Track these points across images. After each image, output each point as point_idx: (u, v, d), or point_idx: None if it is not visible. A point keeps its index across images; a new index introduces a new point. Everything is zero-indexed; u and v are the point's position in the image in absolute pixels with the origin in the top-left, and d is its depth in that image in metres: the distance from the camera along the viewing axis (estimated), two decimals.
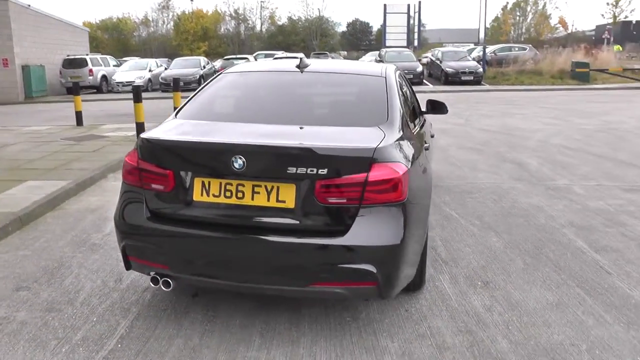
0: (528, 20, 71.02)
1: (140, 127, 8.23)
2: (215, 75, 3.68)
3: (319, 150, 2.55)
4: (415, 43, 45.00)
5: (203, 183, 2.65)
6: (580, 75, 20.45)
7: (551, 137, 9.40)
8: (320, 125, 2.97)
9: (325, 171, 2.49)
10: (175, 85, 10.52)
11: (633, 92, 17.71)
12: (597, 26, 60.97)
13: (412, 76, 22.09)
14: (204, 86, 3.52)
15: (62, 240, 4.31)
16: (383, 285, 2.56)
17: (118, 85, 20.86)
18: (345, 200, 2.52)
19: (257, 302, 3.20)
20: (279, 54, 36.03)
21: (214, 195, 2.63)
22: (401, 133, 2.92)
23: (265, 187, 2.57)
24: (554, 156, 7.78)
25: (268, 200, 2.57)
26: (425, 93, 19.17)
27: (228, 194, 2.61)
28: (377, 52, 42.24)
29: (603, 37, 30.49)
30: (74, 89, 10.35)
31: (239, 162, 2.52)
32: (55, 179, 5.80)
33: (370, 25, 72.28)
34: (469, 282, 3.58)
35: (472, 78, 22.52)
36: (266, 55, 35.02)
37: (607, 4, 41.66)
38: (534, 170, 6.88)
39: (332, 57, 41.80)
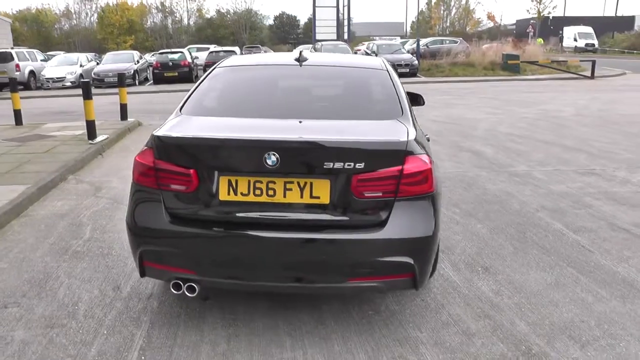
0: (452, 14, 74.12)
1: (90, 126, 7.75)
2: (211, 69, 3.52)
3: (357, 145, 2.53)
4: (345, 36, 45.65)
5: (230, 181, 2.53)
6: (512, 66, 21.56)
7: (497, 126, 9.84)
8: (337, 119, 2.93)
9: (362, 165, 2.47)
10: (121, 81, 10.01)
11: (561, 82, 18.93)
12: (518, 20, 64.54)
13: None
14: (202, 80, 3.36)
15: (39, 250, 3.98)
16: (419, 276, 2.59)
17: (48, 82, 19.38)
18: (381, 194, 2.51)
19: (273, 302, 3.12)
20: (212, 47, 35.28)
21: (242, 194, 2.53)
22: (415, 125, 2.94)
23: (298, 183, 2.51)
24: (505, 144, 8.15)
25: (301, 196, 2.51)
26: None
27: (258, 192, 2.51)
28: (310, 46, 42.38)
29: (527, 31, 32.29)
30: (12, 86, 9.55)
31: (272, 159, 2.44)
32: (11, 184, 5.34)
33: (297, 18, 72.48)
34: (471, 269, 3.69)
35: (407, 70, 23.12)
36: (198, 49, 34.05)
37: (532, 0, 44.51)
38: (492, 158, 7.18)
39: (265, 51, 41.40)
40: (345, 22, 45.41)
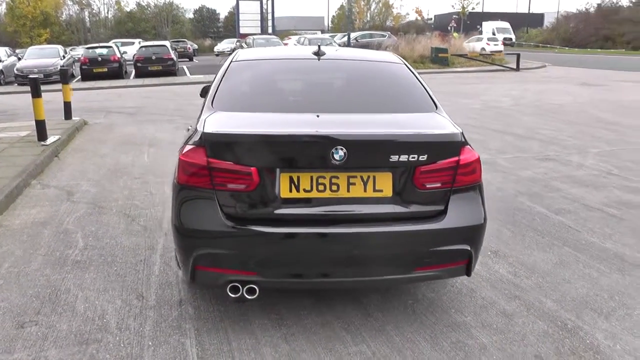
0: (372, 9, 75.99)
1: (41, 126, 7.20)
2: (228, 63, 3.37)
3: (422, 137, 2.59)
4: (270, 30, 45.46)
5: (291, 178, 2.48)
6: (441, 59, 22.48)
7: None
8: (378, 112, 2.95)
9: (425, 157, 2.52)
10: (64, 77, 9.37)
11: (490, 74, 20.02)
12: (436, 15, 67.33)
13: None
14: (224, 74, 3.21)
15: (33, 262, 3.65)
16: (473, 262, 2.68)
17: None
18: (440, 185, 2.58)
19: (313, 298, 3.09)
20: (137, 42, 33.99)
21: (304, 191, 2.49)
22: None
23: (361, 177, 2.51)
24: None
25: (365, 190, 2.52)
26: None
27: (321, 187, 2.49)
28: (235, 40, 41.72)
29: (450, 25, 33.82)
30: None
31: (339, 154, 2.42)
32: None
33: (217, 12, 71.17)
34: (482, 253, 3.79)
35: None
36: (123, 44, 32.47)
37: None
38: None
39: (190, 46, 40.27)
40: (270, 16, 45.19)
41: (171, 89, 16.35)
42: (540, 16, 60.86)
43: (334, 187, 2.49)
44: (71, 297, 3.16)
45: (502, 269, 3.59)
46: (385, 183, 2.52)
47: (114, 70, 19.46)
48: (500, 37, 47.45)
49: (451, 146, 2.60)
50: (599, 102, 12.18)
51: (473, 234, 2.64)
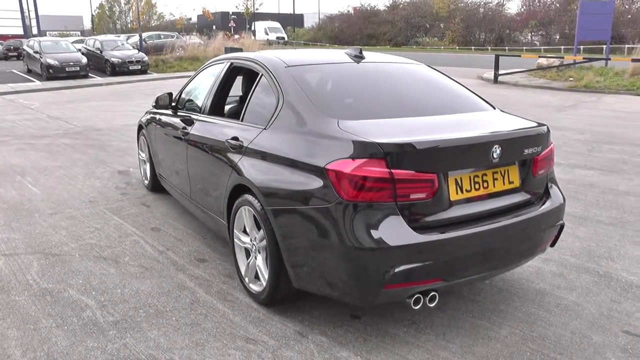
0: (134, 8, 72.57)
1: None
2: (282, 69, 3.11)
3: (539, 131, 2.94)
4: (35, 31, 40.06)
5: (456, 181, 2.59)
6: None
7: None
8: (460, 112, 3.14)
9: (539, 148, 2.90)
10: None
11: None
12: (199, 16, 67.76)
13: (78, 69, 20.38)
14: (296, 82, 2.99)
15: (56, 338, 2.75)
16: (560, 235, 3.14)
17: None
18: (543, 171, 2.99)
19: None
20: None
21: (466, 191, 2.62)
22: None
23: (500, 172, 2.75)
24: None
25: (504, 184, 2.77)
26: (110, 85, 17.92)
27: (477, 186, 2.65)
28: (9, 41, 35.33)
29: (230, 25, 34.53)
30: None
31: (497, 152, 2.63)
32: None
33: None
34: None
35: (139, 67, 22.86)
36: None
37: None
38: None
39: None
40: (33, 15, 39.70)
41: None
42: (301, 17, 66.53)
43: (485, 184, 2.69)
44: None
45: None
46: (514, 175, 2.82)
47: None
48: (273, 36, 50.35)
49: (549, 137, 3.03)
50: None
51: (563, 210, 3.11)
